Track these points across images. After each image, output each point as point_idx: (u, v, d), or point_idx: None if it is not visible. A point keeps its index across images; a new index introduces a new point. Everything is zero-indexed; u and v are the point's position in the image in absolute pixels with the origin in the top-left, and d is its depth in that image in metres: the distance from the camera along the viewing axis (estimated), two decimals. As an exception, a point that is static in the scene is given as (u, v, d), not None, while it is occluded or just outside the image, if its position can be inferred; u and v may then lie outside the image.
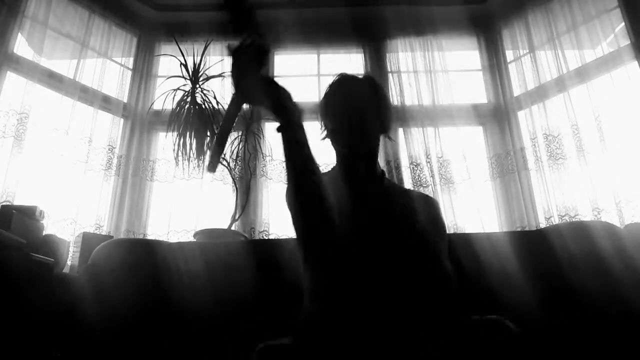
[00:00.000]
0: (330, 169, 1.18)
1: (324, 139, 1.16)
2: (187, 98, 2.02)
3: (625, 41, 2.06)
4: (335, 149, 1.14)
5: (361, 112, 1.06)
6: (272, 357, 0.89)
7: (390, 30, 2.51)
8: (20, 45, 2.05)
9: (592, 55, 2.13)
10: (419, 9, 2.48)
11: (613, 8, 2.12)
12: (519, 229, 2.16)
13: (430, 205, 1.13)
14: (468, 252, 1.36)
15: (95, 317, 1.25)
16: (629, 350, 1.19)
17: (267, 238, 2.14)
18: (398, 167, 2.25)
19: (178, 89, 2.05)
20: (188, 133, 1.95)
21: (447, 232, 1.14)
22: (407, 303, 0.93)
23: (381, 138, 1.15)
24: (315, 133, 1.14)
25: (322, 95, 1.15)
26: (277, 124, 0.93)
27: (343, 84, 1.12)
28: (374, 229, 1.00)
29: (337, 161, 1.15)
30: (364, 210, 1.03)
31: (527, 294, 1.26)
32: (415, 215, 1.07)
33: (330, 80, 1.15)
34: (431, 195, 2.16)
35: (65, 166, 2.01)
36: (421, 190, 2.18)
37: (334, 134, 1.10)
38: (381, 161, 2.29)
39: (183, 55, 2.07)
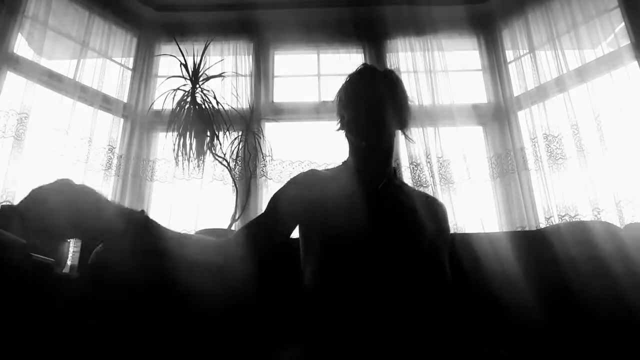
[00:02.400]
0: (341, 163, 1.16)
1: (339, 129, 1.13)
2: (187, 98, 2.03)
3: (625, 41, 2.05)
4: (350, 142, 1.12)
5: (380, 105, 1.04)
6: None
7: (390, 30, 2.51)
8: (20, 45, 2.05)
9: (592, 55, 2.13)
10: (419, 9, 2.47)
11: (613, 8, 2.12)
12: (519, 229, 2.16)
13: (439, 211, 1.12)
14: (468, 252, 1.36)
15: (95, 317, 1.25)
16: (629, 350, 1.19)
17: (267, 238, 2.13)
18: (398, 167, 2.25)
19: (178, 89, 2.06)
20: (188, 133, 1.95)
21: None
22: (409, 305, 0.92)
23: (399, 134, 1.14)
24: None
25: (342, 85, 1.12)
26: None
27: (363, 76, 1.10)
28: (381, 228, 0.99)
29: (351, 154, 1.13)
30: (374, 208, 1.02)
31: (527, 294, 1.26)
32: (422, 218, 1.06)
33: (350, 71, 1.13)
34: (431, 194, 2.16)
35: (65, 166, 2.01)
36: (421, 190, 2.18)
37: (351, 125, 1.07)
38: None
39: (183, 55, 2.07)
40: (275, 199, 1.06)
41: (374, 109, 1.03)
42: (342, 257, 0.95)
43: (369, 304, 0.90)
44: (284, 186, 1.09)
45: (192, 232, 1.98)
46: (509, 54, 2.50)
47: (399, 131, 1.18)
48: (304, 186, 1.07)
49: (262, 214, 1.05)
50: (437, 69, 2.42)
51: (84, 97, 2.19)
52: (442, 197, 2.16)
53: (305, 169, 2.21)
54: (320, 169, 1.19)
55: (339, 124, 1.12)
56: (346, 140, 1.13)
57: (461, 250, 1.36)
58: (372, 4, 2.51)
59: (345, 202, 1.02)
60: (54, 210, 0.75)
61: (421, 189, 2.18)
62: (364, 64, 1.13)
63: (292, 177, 1.12)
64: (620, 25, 2.10)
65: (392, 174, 1.11)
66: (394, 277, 0.94)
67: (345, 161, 1.15)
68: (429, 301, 0.96)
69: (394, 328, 0.88)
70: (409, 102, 1.14)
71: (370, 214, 1.00)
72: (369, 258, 0.94)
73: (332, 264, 0.96)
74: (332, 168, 1.17)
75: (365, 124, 1.04)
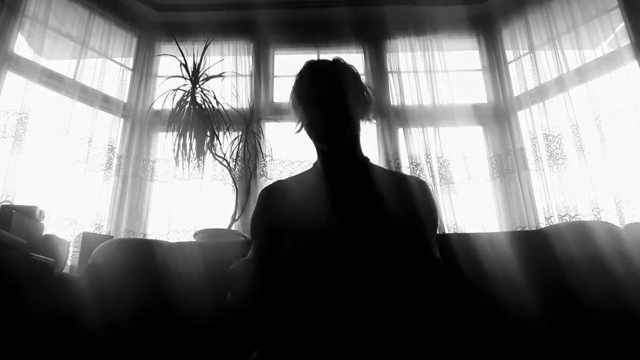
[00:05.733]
0: (312, 167, 1.14)
1: (299, 131, 1.11)
2: (187, 98, 2.02)
3: (625, 41, 2.06)
4: (313, 144, 1.10)
5: (338, 103, 1.00)
6: None
7: (390, 30, 2.51)
8: (20, 45, 2.05)
9: (592, 55, 2.13)
10: (419, 9, 2.48)
11: (613, 8, 2.12)
12: (519, 229, 2.16)
13: (421, 190, 1.07)
14: (468, 252, 1.36)
15: (95, 317, 1.25)
16: (629, 350, 1.19)
17: (267, 238, 2.13)
18: (398, 167, 2.25)
19: (178, 89, 2.05)
20: (188, 133, 1.95)
21: (438, 219, 1.09)
22: (393, 298, 0.91)
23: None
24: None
25: (295, 84, 1.08)
26: None
27: (315, 72, 1.06)
28: (350, 227, 0.96)
29: (318, 156, 1.11)
30: (342, 207, 1.00)
31: (527, 294, 1.26)
32: (404, 200, 1.02)
33: (300, 68, 1.09)
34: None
35: (65, 166, 2.01)
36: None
37: (312, 129, 1.05)
38: (381, 161, 2.29)
39: (183, 55, 2.07)
40: (250, 231, 1.08)
41: (332, 109, 1.00)
42: (313, 262, 0.94)
43: (343, 303, 0.89)
44: (253, 216, 1.10)
45: (192, 232, 1.98)
46: (509, 54, 2.50)
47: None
48: (266, 206, 1.08)
49: (254, 253, 1.04)
50: (437, 69, 2.42)
51: (84, 97, 2.19)
52: (442, 197, 2.16)
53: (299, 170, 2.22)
54: (285, 177, 1.20)
55: (299, 126, 1.10)
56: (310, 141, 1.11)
57: (461, 250, 1.36)
58: (372, 4, 2.51)
59: (313, 205, 1.01)
60: None
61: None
62: (312, 61, 1.09)
63: (257, 201, 1.12)
64: (620, 25, 2.10)
65: (362, 165, 1.09)
66: (366, 274, 0.91)
67: (315, 163, 1.13)
68: (401, 294, 0.92)
69: (366, 324, 0.86)
70: (366, 88, 1.10)
71: (339, 213, 0.98)
72: (339, 260, 0.92)
73: (304, 269, 0.94)
74: (301, 173, 1.17)
75: (326, 127, 1.02)
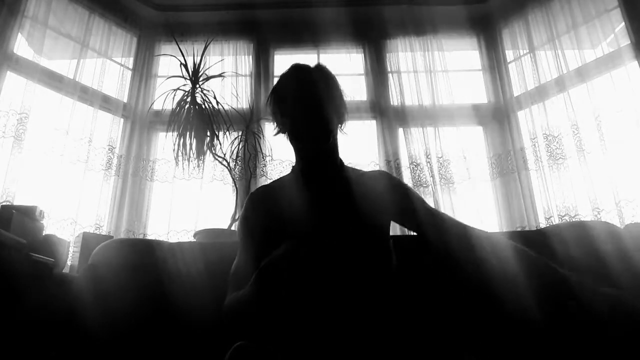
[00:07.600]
0: (290, 171, 1.16)
1: (277, 134, 1.13)
2: (187, 98, 2.02)
3: (625, 41, 2.06)
4: (294, 147, 1.11)
5: (321, 108, 1.02)
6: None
7: (390, 30, 2.51)
8: (20, 45, 2.05)
9: (592, 55, 2.13)
10: (419, 9, 2.48)
11: (613, 8, 2.12)
12: (519, 229, 2.16)
13: (394, 184, 1.12)
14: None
15: (95, 317, 1.25)
16: (629, 350, 1.19)
17: (267, 238, 2.13)
18: (398, 167, 2.25)
19: (178, 89, 2.05)
20: (188, 133, 1.95)
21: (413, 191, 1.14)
22: (373, 302, 0.92)
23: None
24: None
25: (276, 88, 1.10)
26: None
27: (296, 77, 1.07)
28: (338, 229, 0.99)
29: (297, 160, 1.12)
30: (327, 212, 1.02)
31: (526, 294, 1.26)
32: (383, 198, 1.06)
33: (282, 71, 1.10)
34: (431, 194, 2.15)
35: (65, 166, 2.01)
36: (422, 190, 2.18)
37: (294, 133, 1.07)
38: (381, 161, 2.29)
39: (183, 55, 2.07)
40: (240, 236, 1.10)
41: (315, 114, 1.01)
42: (298, 265, 0.95)
43: (328, 306, 0.90)
44: (240, 220, 1.12)
45: (192, 232, 1.98)
46: (509, 54, 2.50)
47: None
48: (255, 210, 1.10)
49: (241, 258, 1.06)
50: (437, 69, 2.42)
51: (84, 97, 2.19)
52: (442, 197, 2.15)
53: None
54: (269, 181, 1.21)
55: (277, 129, 1.12)
56: (290, 144, 1.12)
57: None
58: (372, 4, 2.51)
59: (296, 208, 1.03)
60: None
61: (421, 189, 2.18)
62: (295, 65, 1.10)
63: (245, 202, 1.14)
64: (620, 25, 2.10)
65: (338, 167, 1.11)
66: (351, 277, 0.94)
67: (293, 167, 1.15)
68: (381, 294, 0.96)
69: (354, 329, 0.88)
70: (343, 95, 1.12)
71: (320, 216, 1.01)
72: (322, 261, 0.93)
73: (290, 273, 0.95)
74: (283, 177, 1.19)
75: (309, 132, 1.03)
